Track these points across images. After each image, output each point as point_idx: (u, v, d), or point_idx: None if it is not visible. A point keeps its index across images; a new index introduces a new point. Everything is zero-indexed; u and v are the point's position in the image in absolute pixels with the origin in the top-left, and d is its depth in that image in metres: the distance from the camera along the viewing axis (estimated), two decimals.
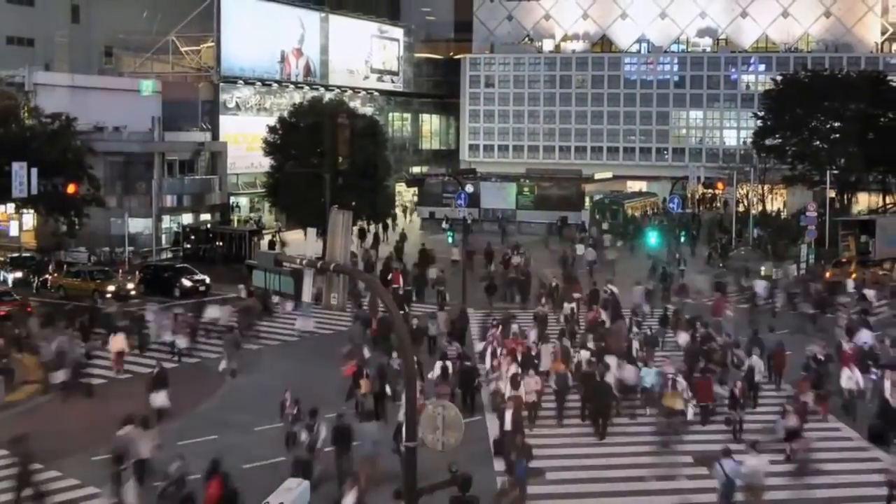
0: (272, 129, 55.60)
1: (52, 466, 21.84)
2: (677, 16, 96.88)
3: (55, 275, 45.81)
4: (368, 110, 78.76)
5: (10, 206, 52.94)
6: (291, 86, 77.55)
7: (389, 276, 43.47)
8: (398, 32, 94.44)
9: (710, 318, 33.50)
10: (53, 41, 70.80)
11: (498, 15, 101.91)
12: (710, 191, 77.01)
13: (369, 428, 22.23)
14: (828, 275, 45.50)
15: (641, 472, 21.91)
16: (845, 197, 68.97)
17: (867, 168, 66.20)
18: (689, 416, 24.82)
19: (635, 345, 29.55)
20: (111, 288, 42.95)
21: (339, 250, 13.91)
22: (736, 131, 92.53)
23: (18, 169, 43.95)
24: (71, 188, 48.69)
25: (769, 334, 31.05)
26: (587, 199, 74.19)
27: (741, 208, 67.24)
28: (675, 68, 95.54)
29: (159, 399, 25.29)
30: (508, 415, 22.36)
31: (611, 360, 26.75)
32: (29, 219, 56.64)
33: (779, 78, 74.31)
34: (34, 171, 44.52)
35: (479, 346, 30.53)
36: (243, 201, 71.87)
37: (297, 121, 54.52)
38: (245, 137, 68.81)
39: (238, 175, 69.70)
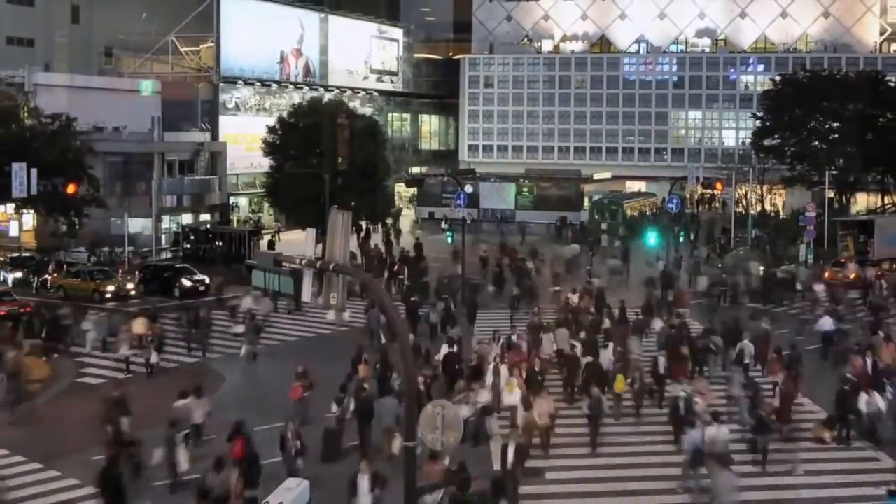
0: (272, 130, 55.69)
1: (52, 466, 21.95)
2: (676, 16, 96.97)
3: (55, 275, 45.77)
4: (368, 111, 78.90)
5: (10, 207, 52.92)
6: (291, 86, 77.65)
7: (395, 268, 45.85)
8: (397, 33, 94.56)
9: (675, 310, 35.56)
10: (53, 41, 70.97)
11: (497, 15, 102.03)
12: (708, 191, 76.94)
13: (389, 402, 22.95)
14: (827, 275, 45.66)
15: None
16: (844, 197, 69.07)
17: (866, 168, 66.32)
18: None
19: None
20: (111, 288, 42.99)
21: (339, 250, 13.96)
22: (735, 131, 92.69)
23: (18, 169, 43.93)
24: (71, 188, 48.69)
25: (751, 322, 32.75)
26: (586, 200, 74.29)
27: (740, 208, 67.30)
28: (674, 69, 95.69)
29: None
30: (511, 450, 20.00)
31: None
32: (29, 219, 56.65)
33: (777, 78, 74.36)
34: (34, 171, 44.47)
35: (474, 343, 30.53)
36: (243, 201, 71.97)
37: (297, 121, 54.61)
38: (245, 138, 68.91)
39: (238, 175, 69.81)
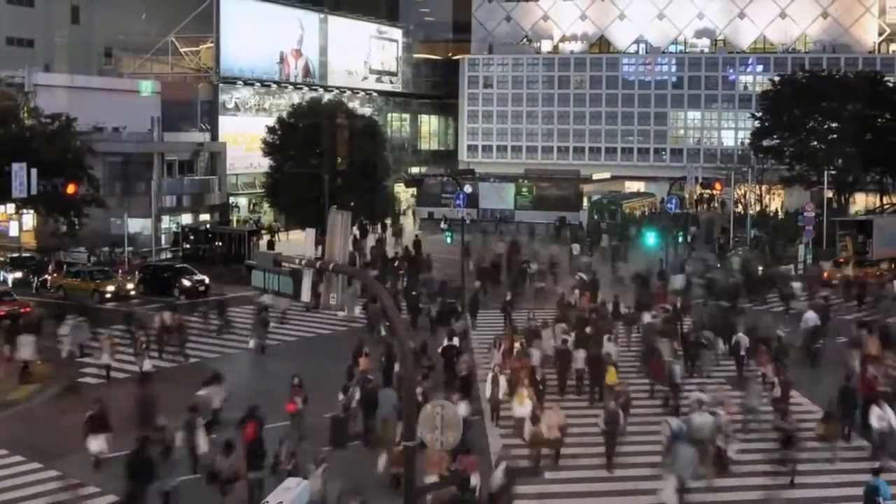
0: (271, 130, 55.75)
1: (52, 466, 21.98)
2: (675, 17, 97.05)
3: (55, 275, 45.77)
4: (367, 111, 79.05)
5: (10, 207, 52.94)
6: (290, 86, 77.73)
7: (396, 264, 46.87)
8: (397, 33, 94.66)
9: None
10: (53, 42, 70.98)
11: (496, 16, 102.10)
12: (707, 191, 77.07)
13: (390, 393, 23.66)
14: (826, 275, 45.83)
15: None
16: (843, 197, 69.18)
17: (864, 168, 66.47)
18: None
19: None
20: (111, 288, 43.03)
21: (338, 250, 14.03)
22: (734, 132, 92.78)
23: (18, 169, 43.93)
24: (70, 188, 48.68)
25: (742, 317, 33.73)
26: (585, 200, 74.37)
27: (739, 209, 67.38)
28: (673, 69, 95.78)
29: (96, 444, 21.87)
30: (500, 470, 19.11)
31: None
32: (29, 219, 56.66)
33: (776, 78, 74.54)
34: (34, 171, 44.45)
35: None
36: (242, 201, 72.03)
37: (296, 121, 54.69)
38: (244, 138, 68.98)
39: (237, 175, 69.88)
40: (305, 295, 14.74)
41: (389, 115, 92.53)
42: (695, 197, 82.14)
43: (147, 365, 29.47)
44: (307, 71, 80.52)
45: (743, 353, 29.55)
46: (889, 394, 24.42)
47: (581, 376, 27.85)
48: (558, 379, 27.98)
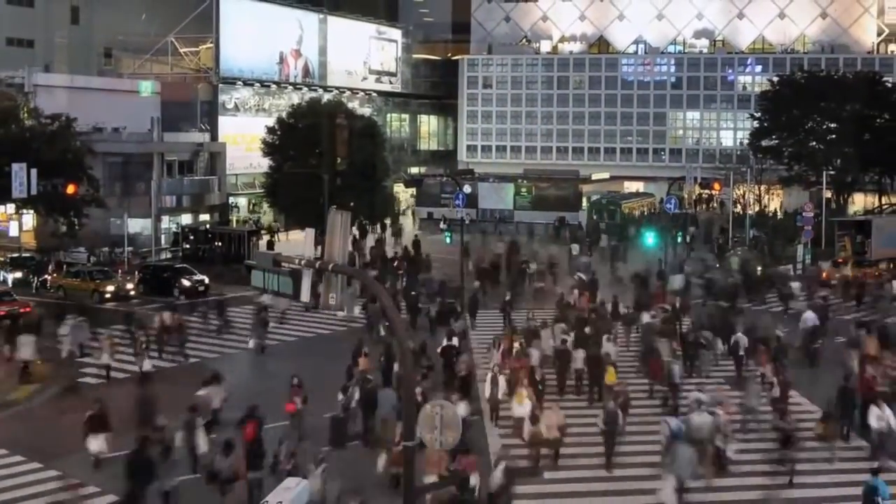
0: (271, 130, 55.80)
1: (52, 466, 22.00)
2: (674, 17, 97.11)
3: (55, 275, 45.81)
4: (367, 111, 79.18)
5: (10, 207, 53.01)
6: (290, 87, 77.78)
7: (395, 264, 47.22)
8: (396, 33, 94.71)
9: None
10: (53, 42, 71.00)
11: (495, 16, 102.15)
12: (706, 191, 77.18)
13: (389, 393, 23.80)
14: (825, 275, 45.94)
15: None
16: (841, 197, 69.26)
17: (863, 169, 66.55)
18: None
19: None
20: (110, 288, 43.07)
21: (338, 250, 14.07)
22: (732, 132, 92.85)
23: (18, 169, 44.02)
24: (70, 189, 48.75)
25: (740, 317, 34.06)
26: (584, 200, 74.43)
27: (738, 209, 67.46)
28: (672, 69, 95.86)
29: (96, 444, 21.79)
30: (499, 470, 19.03)
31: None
32: (29, 219, 56.72)
33: (775, 79, 74.64)
34: (34, 171, 44.55)
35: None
36: (242, 202, 72.08)
37: (296, 122, 54.74)
38: (244, 138, 69.03)
39: (237, 176, 69.94)
40: (305, 295, 14.78)
41: (389, 115, 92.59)
42: (694, 197, 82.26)
43: (147, 365, 29.43)
44: (307, 71, 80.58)
45: (742, 353, 29.72)
46: (888, 394, 24.45)
47: (580, 376, 27.93)
48: (557, 379, 28.05)
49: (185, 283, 44.40)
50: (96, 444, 21.73)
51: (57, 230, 51.76)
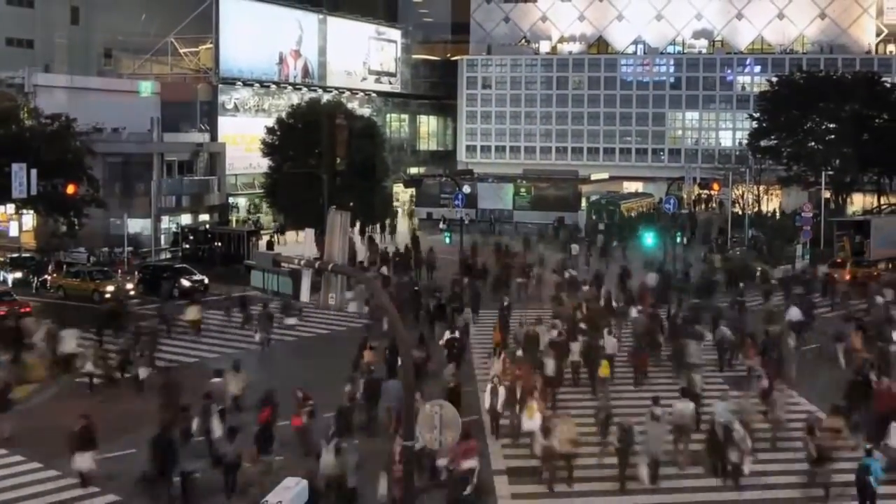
0: (270, 130, 55.79)
1: (52, 466, 22.00)
2: (673, 17, 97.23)
3: (55, 275, 45.85)
4: (366, 111, 79.23)
5: (10, 207, 53.09)
6: (290, 87, 77.83)
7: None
8: (396, 34, 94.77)
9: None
10: (53, 43, 70.93)
11: (495, 17, 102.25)
12: (705, 191, 77.35)
13: (393, 384, 23.84)
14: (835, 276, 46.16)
15: None
16: (840, 197, 69.37)
17: (862, 169, 66.63)
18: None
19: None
20: (110, 288, 43.06)
21: (337, 251, 14.12)
22: (731, 132, 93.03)
23: (18, 170, 44.07)
24: (70, 189, 48.79)
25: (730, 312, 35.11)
26: (584, 200, 74.52)
27: (737, 209, 67.57)
28: (671, 70, 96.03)
29: (83, 461, 20.71)
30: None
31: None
32: (29, 219, 56.81)
33: (774, 79, 74.77)
34: (34, 171, 44.61)
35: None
36: (242, 202, 72.14)
37: (296, 122, 54.72)
38: (243, 138, 69.08)
39: (236, 176, 69.99)
40: (304, 295, 14.85)
41: (388, 115, 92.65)
42: (693, 197, 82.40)
43: (143, 373, 28.58)
44: (306, 71, 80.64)
45: (727, 346, 30.25)
46: None
47: (577, 368, 28.34)
48: (555, 372, 28.01)
49: (185, 283, 44.44)
50: (83, 461, 20.71)
51: (57, 230, 51.83)
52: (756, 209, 71.25)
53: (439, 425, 14.46)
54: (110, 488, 20.54)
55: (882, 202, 71.60)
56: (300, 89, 77.90)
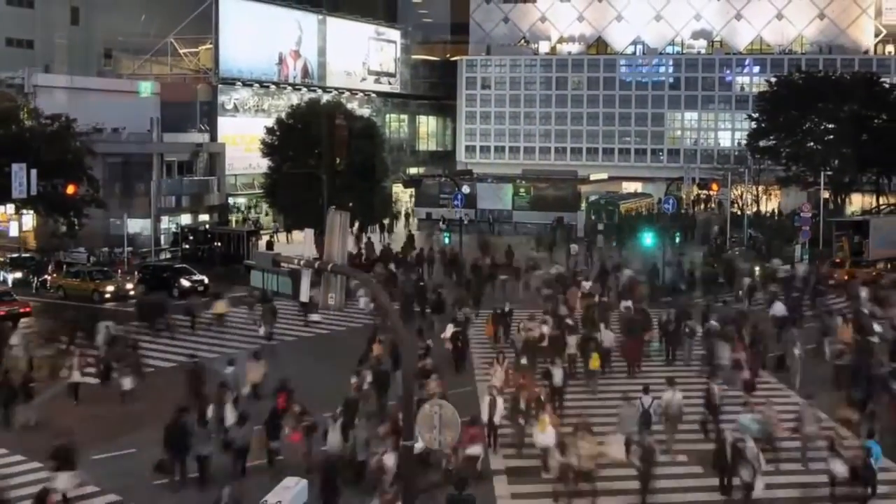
0: (270, 131, 55.75)
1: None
2: (672, 18, 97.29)
3: (55, 275, 45.86)
4: (366, 112, 79.27)
5: (10, 207, 53.13)
6: (289, 87, 77.90)
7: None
8: (395, 34, 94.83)
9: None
10: (53, 43, 71.01)
11: (494, 17, 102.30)
12: (704, 192, 77.41)
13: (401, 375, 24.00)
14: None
15: None
16: (839, 198, 69.38)
17: (861, 169, 66.63)
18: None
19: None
20: (110, 288, 43.09)
21: (337, 251, 14.15)
22: (730, 132, 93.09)
23: (18, 170, 44.15)
24: (70, 189, 48.87)
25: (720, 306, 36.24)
26: (583, 200, 74.58)
27: (736, 209, 67.61)
28: (670, 70, 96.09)
29: (62, 482, 19.34)
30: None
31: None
32: (29, 219, 56.84)
33: (773, 79, 74.79)
34: (34, 172, 44.72)
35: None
36: (241, 202, 72.18)
37: (295, 122, 54.68)
38: (243, 139, 69.14)
39: (236, 176, 70.04)
40: (304, 295, 14.88)
41: (388, 115, 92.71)
42: (692, 197, 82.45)
43: (127, 383, 27.13)
44: (306, 72, 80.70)
45: (713, 340, 30.29)
46: None
47: (573, 361, 28.76)
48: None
49: (185, 283, 44.45)
50: (62, 482, 19.34)
51: (57, 230, 51.88)
52: (755, 209, 71.30)
53: (439, 425, 14.42)
54: (110, 488, 20.57)
55: (881, 202, 71.63)
56: (300, 90, 77.96)
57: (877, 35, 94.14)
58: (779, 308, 34.80)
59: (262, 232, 60.25)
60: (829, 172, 64.43)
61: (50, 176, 47.47)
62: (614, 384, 27.75)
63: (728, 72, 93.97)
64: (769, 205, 79.65)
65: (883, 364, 27.05)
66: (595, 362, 27.78)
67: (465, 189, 65.38)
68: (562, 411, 24.74)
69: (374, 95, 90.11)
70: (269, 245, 55.57)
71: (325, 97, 74.32)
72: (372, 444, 20.10)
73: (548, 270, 43.80)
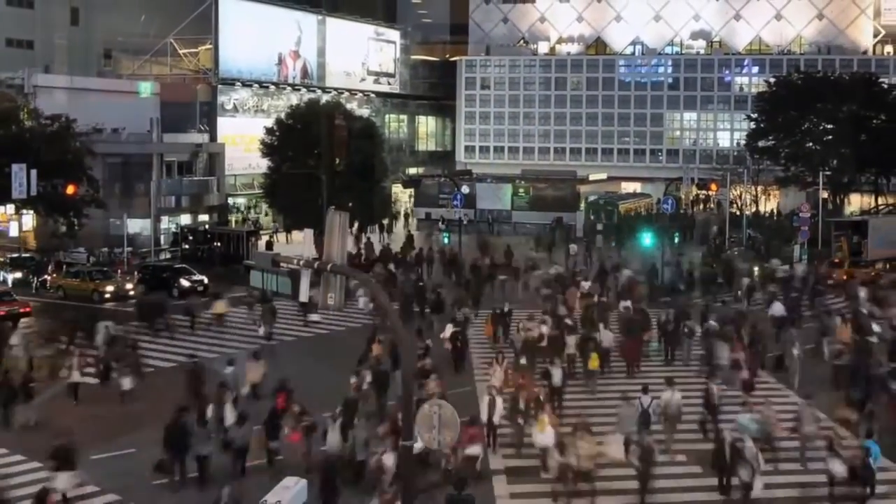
0: (269, 131, 55.82)
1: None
2: (671, 18, 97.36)
3: (54, 275, 45.90)
4: (365, 112, 79.30)
5: (10, 207, 53.18)
6: (289, 88, 77.95)
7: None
8: (394, 35, 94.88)
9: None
10: (53, 43, 71.07)
11: (493, 17, 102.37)
12: (703, 192, 77.49)
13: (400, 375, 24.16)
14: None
15: None
16: (838, 198, 69.46)
17: (859, 169, 66.72)
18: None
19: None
20: (110, 288, 43.14)
21: (336, 251, 14.20)
22: (729, 133, 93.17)
23: (18, 170, 44.20)
24: (70, 189, 48.90)
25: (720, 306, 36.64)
26: (582, 200, 74.65)
27: (735, 209, 67.66)
28: (669, 70, 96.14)
29: (62, 482, 19.28)
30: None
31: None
32: (28, 219, 56.87)
33: (772, 80, 74.85)
34: (34, 172, 44.76)
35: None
36: (241, 202, 72.23)
37: (295, 122, 54.74)
38: (243, 139, 69.20)
39: (236, 176, 70.09)
40: (303, 295, 14.92)
41: (387, 116, 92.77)
42: (691, 198, 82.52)
43: (127, 383, 27.15)
44: (305, 72, 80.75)
45: (711, 340, 30.44)
46: None
47: (573, 361, 28.85)
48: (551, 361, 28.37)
49: (185, 283, 44.48)
50: (62, 482, 19.32)
51: (57, 230, 51.91)
52: (754, 209, 71.37)
53: (438, 425, 14.41)
54: (110, 488, 20.62)
55: (880, 202, 71.70)
56: (299, 90, 78.01)
57: (875, 35, 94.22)
58: (778, 308, 34.90)
59: (261, 232, 60.32)
60: (828, 173, 64.51)
61: (50, 176, 47.50)
62: (613, 384, 27.89)
63: (727, 72, 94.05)
64: (768, 205, 79.71)
65: (882, 364, 27.23)
66: (594, 362, 27.93)
67: (465, 189, 65.47)
68: (561, 411, 24.78)
69: (373, 96, 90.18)
70: (269, 245, 55.62)
71: (325, 97, 74.38)
72: (371, 444, 20.18)
73: (547, 270, 43.87)
